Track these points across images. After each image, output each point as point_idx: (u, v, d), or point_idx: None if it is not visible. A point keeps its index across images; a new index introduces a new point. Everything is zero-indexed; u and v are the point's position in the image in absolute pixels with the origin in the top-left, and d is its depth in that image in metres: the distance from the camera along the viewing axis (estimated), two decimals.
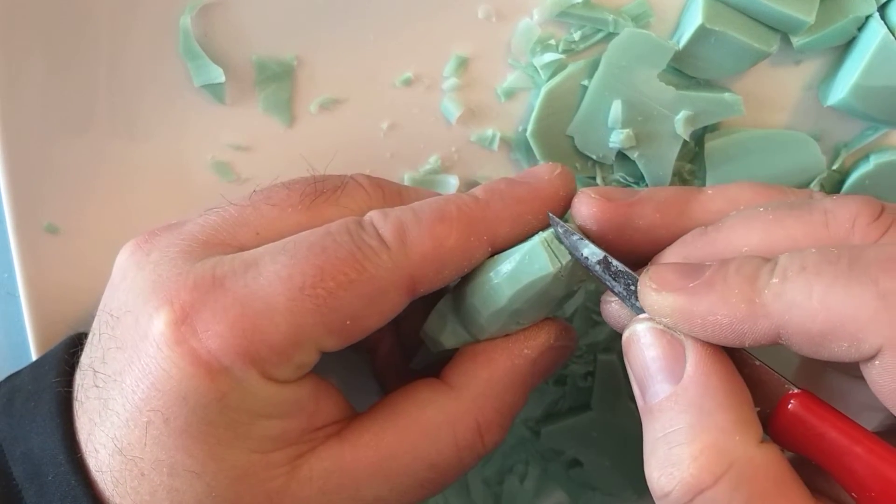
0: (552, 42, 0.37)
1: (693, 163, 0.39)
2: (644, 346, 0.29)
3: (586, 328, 0.41)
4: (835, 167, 0.39)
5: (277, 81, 0.37)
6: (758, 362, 0.29)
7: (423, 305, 0.34)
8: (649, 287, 0.28)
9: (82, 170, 0.37)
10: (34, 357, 0.38)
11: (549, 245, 0.31)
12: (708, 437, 0.26)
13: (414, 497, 0.32)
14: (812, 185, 0.38)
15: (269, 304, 0.29)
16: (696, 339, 0.28)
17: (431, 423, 0.32)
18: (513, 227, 0.32)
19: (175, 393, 0.28)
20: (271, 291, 0.29)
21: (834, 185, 0.39)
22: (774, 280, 0.26)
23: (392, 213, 0.31)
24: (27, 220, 0.37)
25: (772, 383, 0.28)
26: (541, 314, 0.33)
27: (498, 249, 0.32)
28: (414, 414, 0.32)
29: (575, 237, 0.31)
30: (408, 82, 0.38)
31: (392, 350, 0.38)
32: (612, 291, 0.30)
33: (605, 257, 0.30)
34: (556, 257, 0.31)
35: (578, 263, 0.31)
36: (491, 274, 0.31)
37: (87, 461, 0.30)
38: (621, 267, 0.30)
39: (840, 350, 0.26)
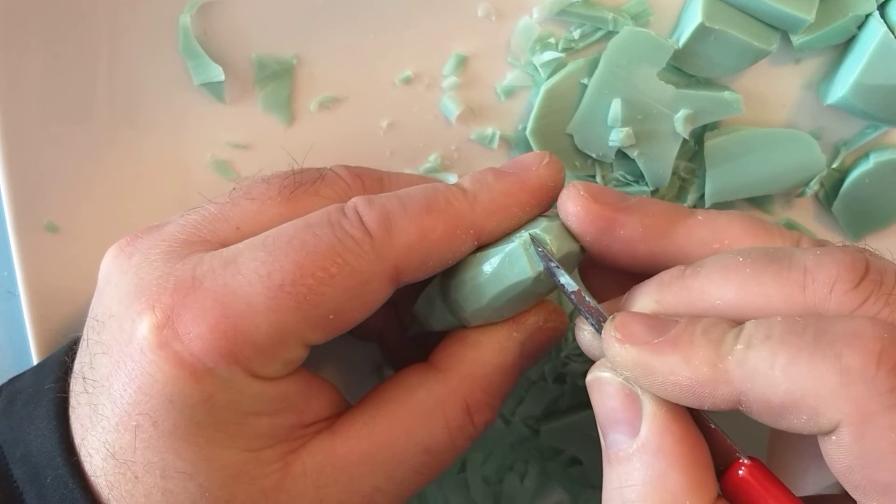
0: (552, 40, 0.37)
1: (693, 161, 0.39)
2: (606, 394, 0.28)
3: None
4: (835, 166, 0.39)
5: (277, 80, 0.37)
6: (713, 426, 0.28)
7: (418, 289, 0.34)
8: (613, 337, 0.28)
9: (82, 169, 0.37)
10: (34, 355, 0.38)
11: (528, 248, 0.31)
12: (658, 499, 0.26)
13: (411, 484, 0.32)
14: (812, 183, 0.38)
15: (248, 304, 0.28)
16: (655, 397, 0.27)
17: (421, 407, 0.32)
18: (500, 221, 0.31)
19: (161, 396, 0.28)
20: (251, 291, 0.29)
21: (834, 184, 0.39)
22: (739, 346, 0.26)
23: (377, 201, 0.31)
24: (27, 218, 0.37)
25: (724, 448, 0.28)
26: (526, 306, 0.33)
27: (484, 242, 0.32)
28: (403, 399, 0.32)
29: (552, 264, 0.30)
30: (407, 81, 0.38)
31: (400, 336, 0.37)
32: (587, 321, 0.30)
33: (578, 290, 0.30)
34: (537, 260, 0.30)
35: (563, 261, 0.31)
36: (473, 273, 0.31)
37: (84, 466, 0.30)
38: (593, 303, 0.30)
39: (799, 422, 0.25)
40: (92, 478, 0.30)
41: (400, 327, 0.37)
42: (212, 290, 0.29)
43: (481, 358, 0.32)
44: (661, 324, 0.28)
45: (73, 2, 0.35)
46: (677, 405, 0.27)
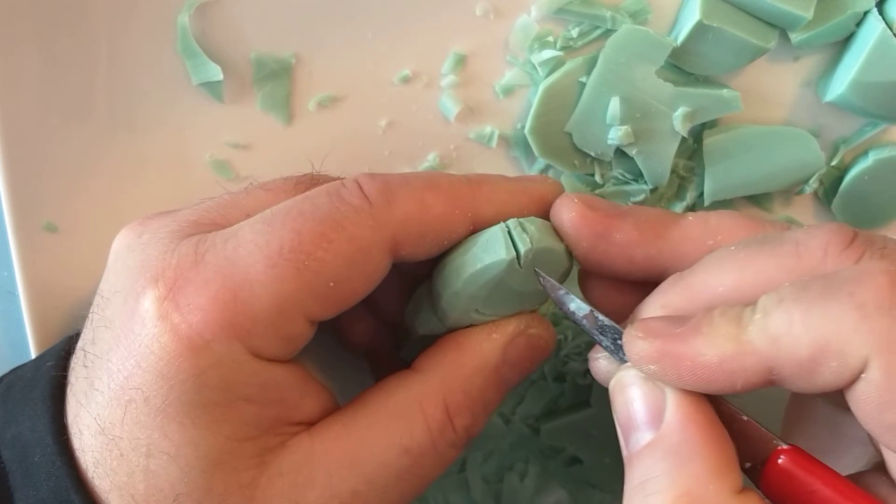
0: (550, 39, 0.37)
1: (692, 159, 0.39)
2: (629, 394, 0.29)
3: None
4: (834, 163, 0.39)
5: (276, 79, 0.37)
6: (745, 417, 0.28)
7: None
8: (636, 336, 0.28)
9: (81, 169, 0.37)
10: (34, 354, 0.38)
11: (510, 233, 0.31)
12: (683, 485, 0.26)
13: (393, 491, 0.31)
14: (811, 180, 0.38)
15: (248, 274, 0.29)
16: (678, 390, 0.28)
17: (399, 405, 0.31)
18: (497, 213, 0.32)
19: (154, 370, 0.28)
20: (251, 261, 0.29)
21: (833, 181, 0.39)
22: (757, 316, 0.26)
23: (381, 175, 0.31)
24: (26, 219, 0.37)
25: (761, 439, 0.28)
26: (505, 307, 0.32)
27: (479, 230, 0.32)
28: (382, 400, 0.32)
29: (561, 291, 0.30)
30: (406, 80, 0.38)
31: (391, 355, 0.37)
32: (601, 346, 0.30)
33: (591, 311, 0.30)
34: (516, 246, 0.30)
35: (542, 257, 0.31)
36: (454, 255, 0.32)
37: (73, 442, 0.30)
38: (607, 322, 0.30)
39: (830, 372, 0.25)
40: (79, 453, 0.30)
41: (391, 346, 0.37)
42: (213, 262, 0.29)
43: (460, 359, 0.32)
44: (678, 318, 0.28)
45: (72, 1, 0.35)
46: (700, 398, 0.28)
